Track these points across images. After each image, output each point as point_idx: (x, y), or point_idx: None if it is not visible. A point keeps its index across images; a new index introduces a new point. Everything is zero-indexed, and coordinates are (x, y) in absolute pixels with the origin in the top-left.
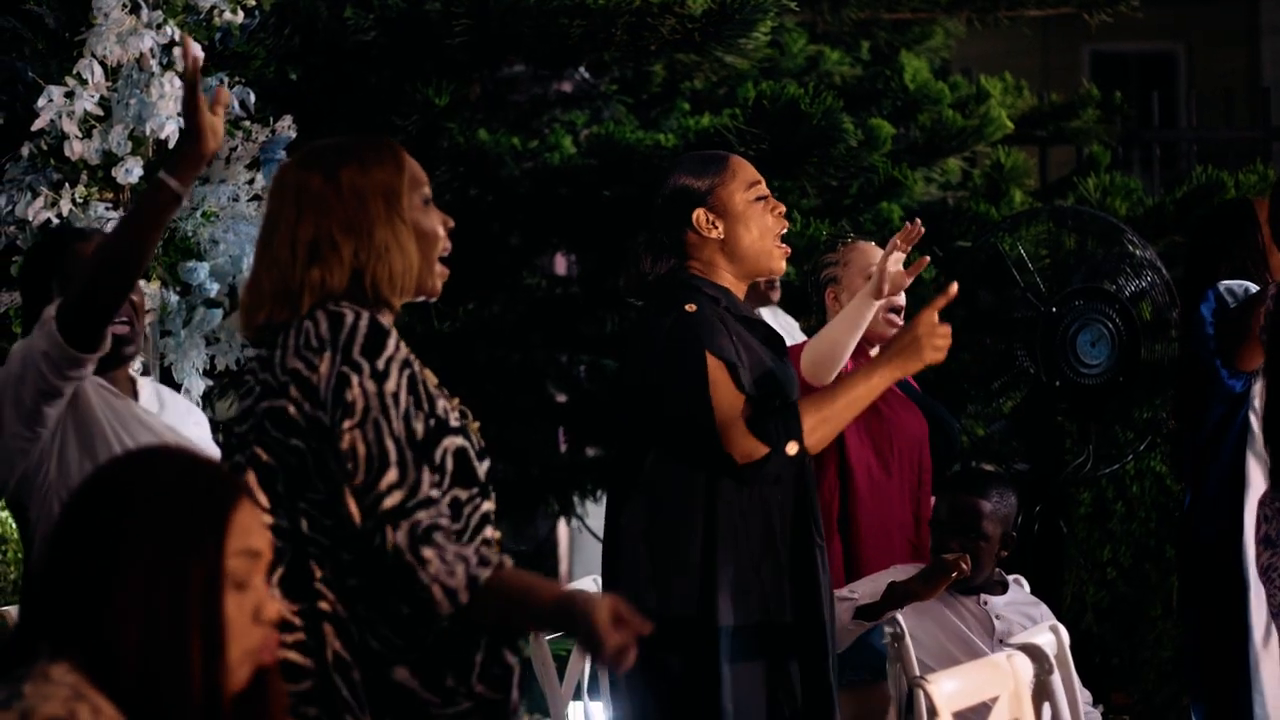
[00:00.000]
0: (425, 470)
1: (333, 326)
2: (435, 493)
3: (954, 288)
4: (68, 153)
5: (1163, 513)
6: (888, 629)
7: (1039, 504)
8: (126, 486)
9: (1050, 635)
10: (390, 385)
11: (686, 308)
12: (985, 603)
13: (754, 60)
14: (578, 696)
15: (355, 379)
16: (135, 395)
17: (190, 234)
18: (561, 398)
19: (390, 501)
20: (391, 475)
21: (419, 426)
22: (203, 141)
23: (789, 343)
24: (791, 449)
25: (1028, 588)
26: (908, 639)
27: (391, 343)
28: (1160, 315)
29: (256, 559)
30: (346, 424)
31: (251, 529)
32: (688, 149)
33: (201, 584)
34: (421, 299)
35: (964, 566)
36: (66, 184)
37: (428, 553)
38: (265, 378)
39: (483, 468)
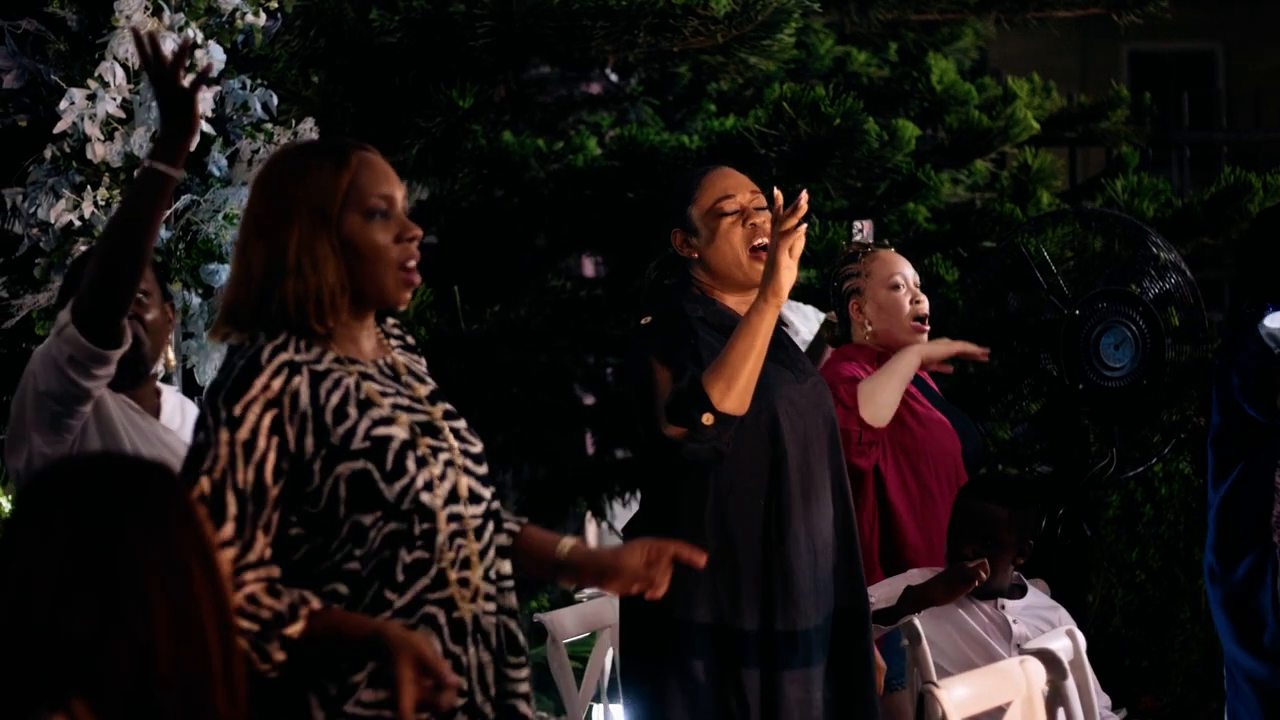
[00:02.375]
0: (269, 522)
1: (223, 366)
2: (268, 552)
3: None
4: (90, 155)
5: (1191, 515)
6: (905, 633)
7: (1062, 507)
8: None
9: (1066, 640)
10: (242, 433)
11: (642, 321)
12: (1002, 607)
13: (780, 62)
14: (597, 699)
15: (212, 426)
16: (158, 410)
17: (212, 236)
18: (589, 399)
19: (224, 556)
20: (226, 531)
21: (287, 466)
22: (194, 122)
23: (805, 334)
24: (706, 419)
25: (1049, 591)
26: (924, 643)
27: (260, 381)
28: (1188, 317)
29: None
30: (196, 471)
31: (195, 501)
32: (710, 151)
33: (202, 570)
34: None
35: (982, 574)
36: (89, 186)
37: (244, 623)
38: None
39: (394, 488)
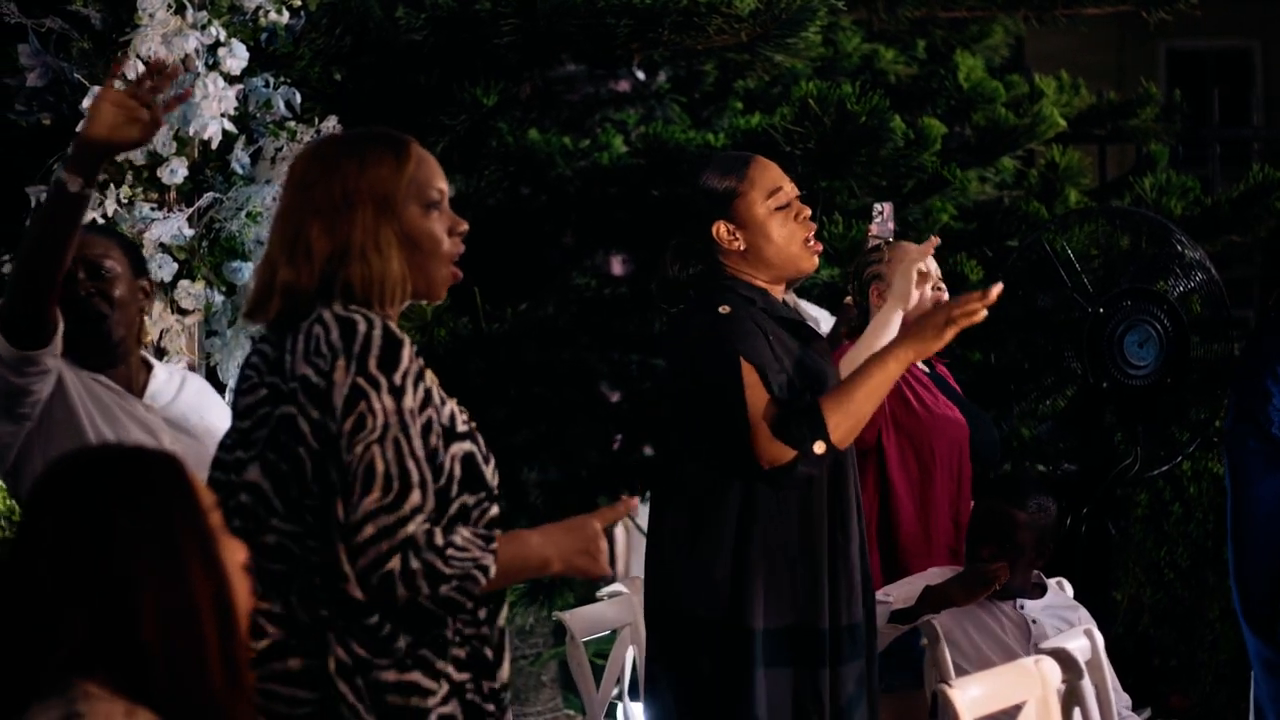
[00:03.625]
0: (433, 489)
1: (344, 334)
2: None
3: (997, 288)
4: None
5: (1220, 514)
6: (924, 633)
7: (1086, 505)
8: (101, 492)
9: (1083, 639)
10: (408, 401)
11: (720, 309)
12: (1021, 607)
13: (807, 59)
14: (619, 697)
15: (373, 394)
16: (143, 388)
17: (235, 234)
18: (615, 397)
19: (414, 527)
20: (414, 498)
21: (434, 440)
22: (112, 138)
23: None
24: (819, 448)
25: (1070, 591)
26: (943, 643)
27: (406, 355)
28: (1216, 315)
29: (216, 510)
30: (363, 439)
31: (202, 486)
32: (735, 148)
33: (199, 552)
34: (423, 302)
35: (1000, 578)
36: (112, 184)
37: (444, 568)
38: (274, 381)
39: (489, 471)
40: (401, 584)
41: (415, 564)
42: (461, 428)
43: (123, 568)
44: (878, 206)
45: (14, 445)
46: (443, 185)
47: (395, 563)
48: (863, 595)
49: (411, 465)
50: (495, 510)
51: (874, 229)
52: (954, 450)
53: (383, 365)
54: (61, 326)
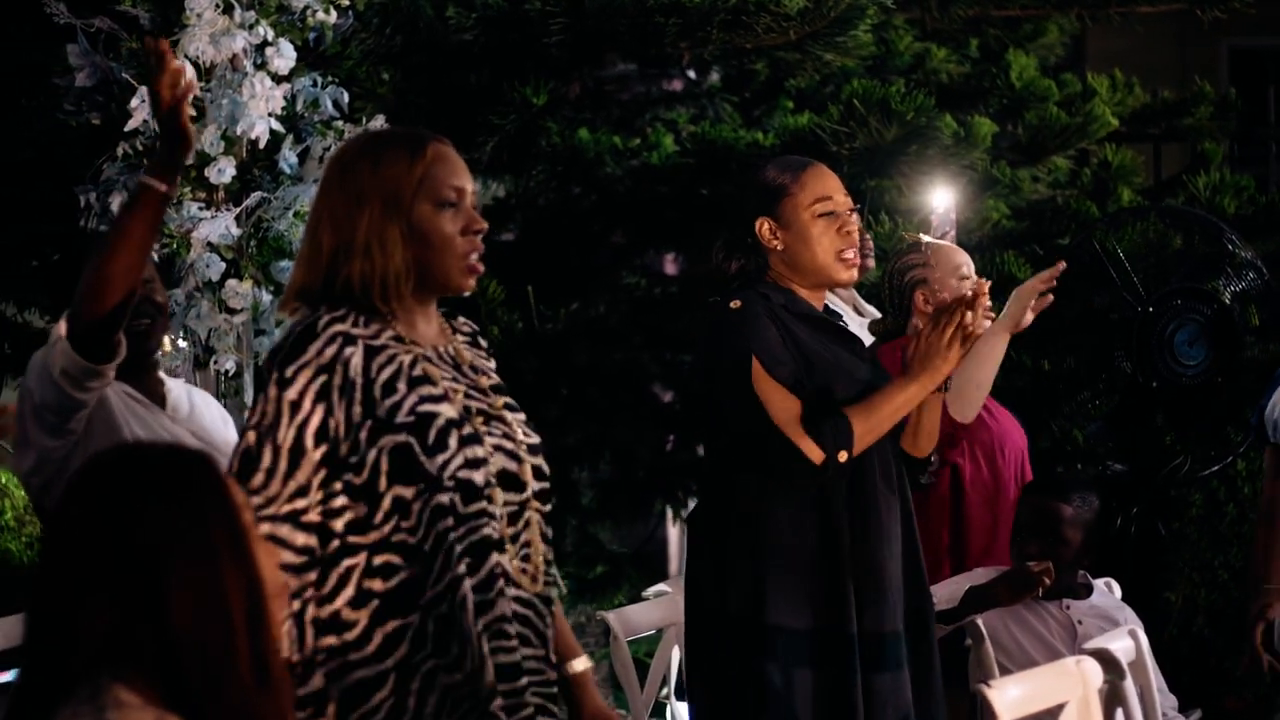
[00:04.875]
0: (293, 482)
1: (286, 332)
2: (297, 504)
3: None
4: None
5: None
6: (968, 633)
7: (1136, 506)
8: (134, 484)
9: (1127, 640)
10: (290, 393)
11: (731, 304)
12: (1068, 607)
13: (858, 58)
14: (667, 697)
15: (268, 384)
16: (164, 401)
17: (283, 233)
18: (666, 397)
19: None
20: (255, 481)
21: (331, 431)
22: (186, 142)
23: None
24: (842, 457)
25: (1118, 591)
26: (987, 643)
27: (315, 346)
28: (1267, 314)
29: (248, 509)
30: (247, 424)
31: (234, 484)
32: (784, 148)
33: (231, 548)
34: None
35: (1046, 580)
36: None
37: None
38: None
39: (435, 461)
40: None
41: None
42: (405, 419)
43: (152, 559)
44: (937, 201)
45: (54, 460)
46: (460, 183)
47: None
48: (904, 603)
49: (266, 451)
50: (442, 498)
51: (934, 221)
52: (1018, 455)
53: (284, 358)
54: (124, 349)
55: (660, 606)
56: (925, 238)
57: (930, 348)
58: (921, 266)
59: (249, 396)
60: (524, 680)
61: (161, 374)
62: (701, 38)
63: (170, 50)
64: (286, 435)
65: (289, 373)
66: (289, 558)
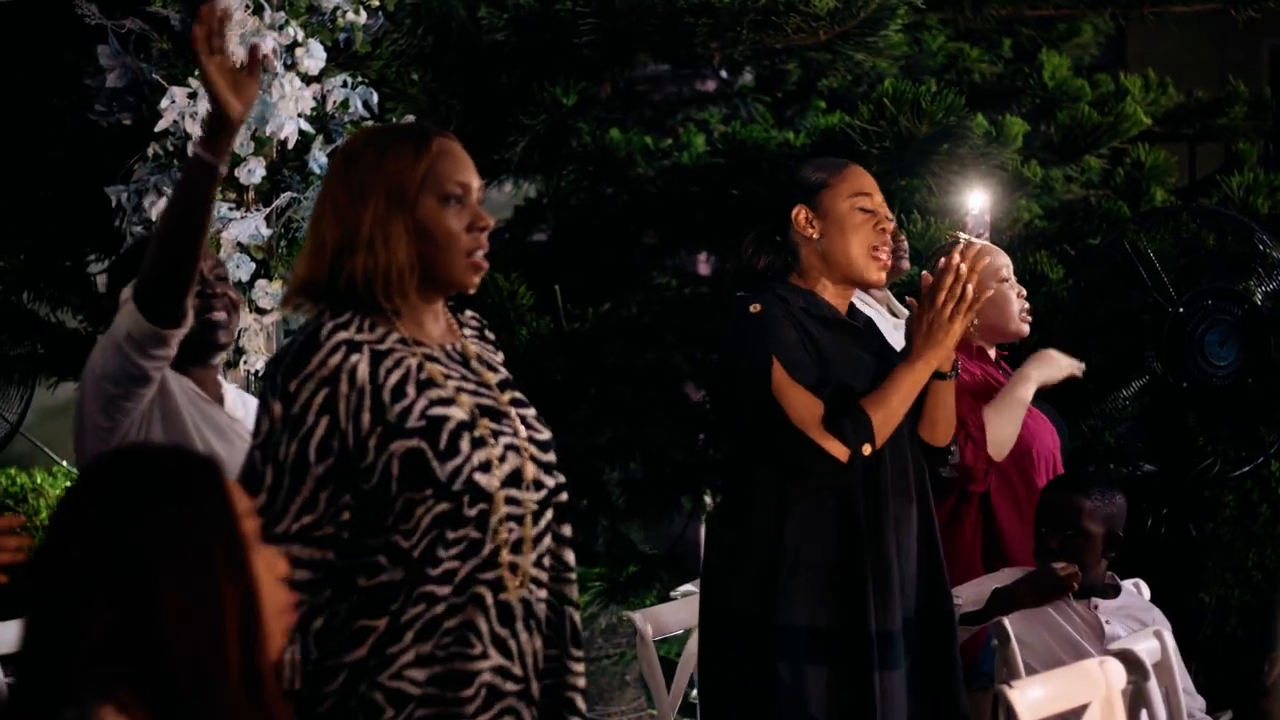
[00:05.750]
0: (299, 499)
1: (287, 342)
2: (300, 523)
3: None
4: (191, 153)
5: None
6: (994, 634)
7: (1166, 506)
8: (131, 487)
9: (1152, 641)
10: (294, 408)
11: (751, 308)
12: (1095, 606)
13: (890, 58)
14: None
15: (270, 399)
16: (221, 401)
17: None
18: (697, 396)
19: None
20: (259, 500)
21: (335, 443)
22: (229, 111)
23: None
24: (866, 450)
25: (1147, 593)
26: (1014, 643)
27: (317, 358)
28: None
29: (254, 520)
30: (252, 443)
31: (240, 494)
32: (815, 147)
33: (227, 557)
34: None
35: (1075, 584)
36: None
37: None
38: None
39: (446, 468)
40: None
41: None
42: (416, 423)
43: (146, 562)
44: (972, 200)
45: (105, 445)
46: (465, 179)
47: None
48: (922, 604)
49: (269, 470)
50: (444, 506)
51: (969, 222)
52: (1049, 456)
53: (285, 372)
54: (190, 319)
55: (687, 606)
56: (966, 236)
57: (930, 324)
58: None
59: None
60: (476, 689)
61: (219, 376)
62: (731, 38)
63: (209, 14)
64: (289, 451)
65: (291, 387)
66: (302, 575)
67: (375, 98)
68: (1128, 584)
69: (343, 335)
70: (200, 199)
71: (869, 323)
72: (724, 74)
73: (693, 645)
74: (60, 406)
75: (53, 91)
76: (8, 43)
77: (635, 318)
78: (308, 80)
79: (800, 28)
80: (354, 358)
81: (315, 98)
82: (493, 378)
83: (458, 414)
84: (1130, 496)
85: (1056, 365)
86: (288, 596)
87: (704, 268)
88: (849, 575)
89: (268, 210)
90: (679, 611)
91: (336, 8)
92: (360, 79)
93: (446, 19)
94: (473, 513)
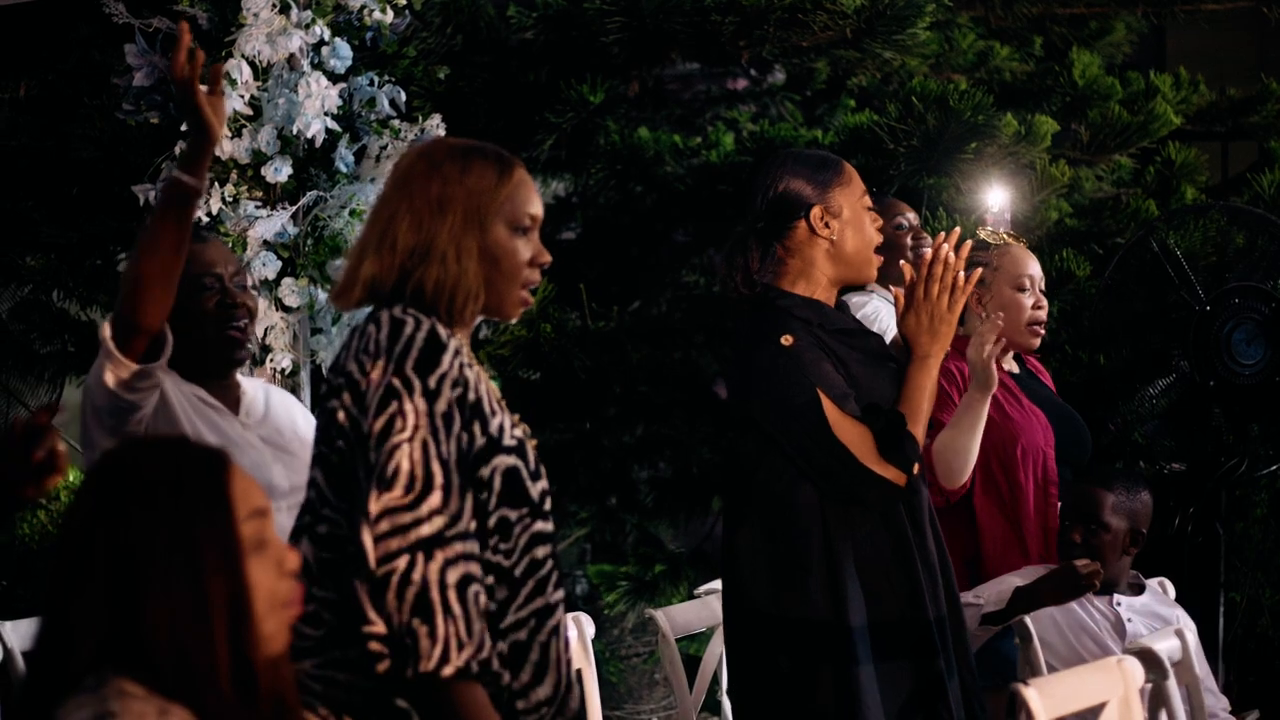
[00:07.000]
0: (468, 499)
1: (392, 334)
2: (473, 525)
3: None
4: (218, 152)
5: None
6: (1016, 632)
7: (1193, 505)
8: (124, 484)
9: (1173, 640)
10: (441, 405)
11: (783, 341)
12: (1118, 604)
13: (919, 56)
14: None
15: (406, 395)
16: (237, 405)
17: (339, 232)
18: (725, 394)
19: (429, 529)
20: (434, 500)
21: (468, 447)
22: (210, 133)
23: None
24: (916, 469)
25: (1172, 592)
26: (1036, 642)
27: (447, 358)
28: None
29: (264, 516)
30: (392, 439)
31: (250, 490)
32: (843, 146)
33: (218, 555)
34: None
35: (1096, 583)
36: (216, 183)
37: (455, 605)
38: (329, 375)
39: (536, 488)
40: (394, 590)
41: (416, 575)
42: (510, 441)
43: (135, 560)
44: (991, 200)
45: None
46: (536, 212)
47: (401, 563)
48: (944, 592)
49: (437, 468)
50: (540, 526)
51: (989, 220)
52: (1037, 451)
53: (419, 367)
54: (169, 349)
55: (709, 605)
56: (998, 234)
57: (931, 317)
58: (984, 267)
59: (305, 395)
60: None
61: (238, 376)
62: (759, 36)
63: (188, 32)
64: (449, 449)
65: (432, 383)
66: (488, 579)
67: (403, 96)
68: (1152, 583)
69: (455, 341)
70: (180, 223)
71: (862, 321)
72: (754, 72)
73: (717, 644)
74: None
75: (83, 91)
76: (38, 42)
77: (664, 316)
78: (334, 79)
79: (827, 25)
80: (466, 367)
81: (342, 96)
82: None
83: (527, 439)
84: (1157, 495)
85: (975, 369)
86: (293, 591)
87: None
88: (902, 568)
89: (294, 209)
90: (701, 609)
91: (363, 6)
92: (387, 78)
93: (475, 17)
94: (551, 533)
